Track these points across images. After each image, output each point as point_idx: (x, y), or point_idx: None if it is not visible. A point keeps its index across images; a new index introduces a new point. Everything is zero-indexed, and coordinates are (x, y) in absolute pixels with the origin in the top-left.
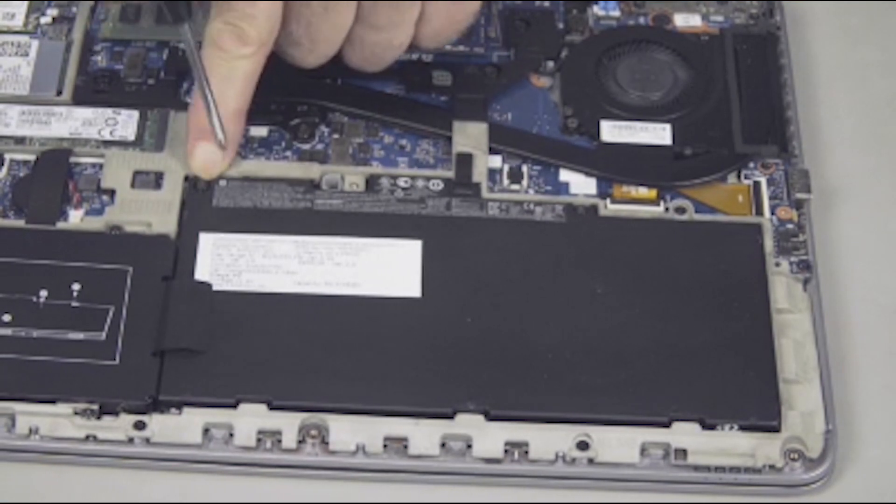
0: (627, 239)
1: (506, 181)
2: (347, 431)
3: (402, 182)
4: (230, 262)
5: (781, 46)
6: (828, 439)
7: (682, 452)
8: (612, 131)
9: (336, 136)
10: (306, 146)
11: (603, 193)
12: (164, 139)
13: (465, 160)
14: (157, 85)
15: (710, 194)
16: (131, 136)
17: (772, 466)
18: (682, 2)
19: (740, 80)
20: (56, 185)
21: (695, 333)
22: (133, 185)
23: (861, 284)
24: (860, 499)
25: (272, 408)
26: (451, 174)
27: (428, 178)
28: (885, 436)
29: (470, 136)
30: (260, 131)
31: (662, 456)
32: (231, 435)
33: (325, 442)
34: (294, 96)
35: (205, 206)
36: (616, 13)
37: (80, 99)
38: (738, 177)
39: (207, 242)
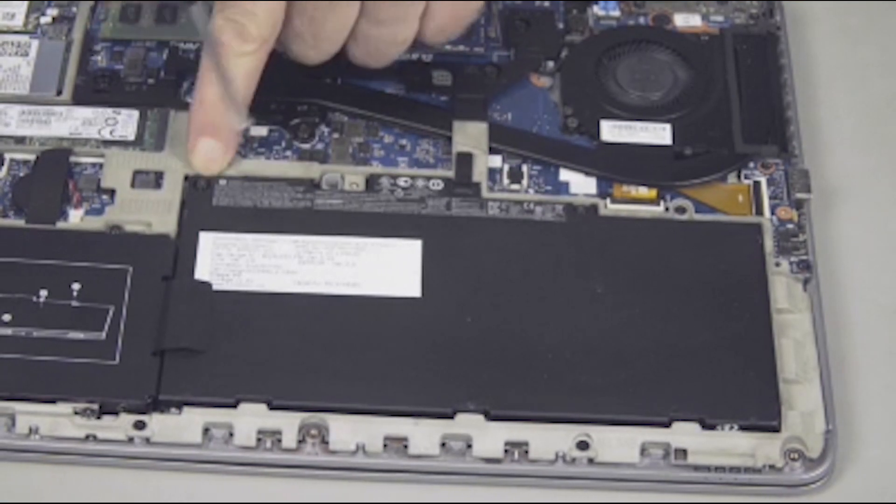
0: (627, 239)
1: (506, 181)
2: (347, 431)
3: (402, 182)
4: (230, 262)
5: (781, 46)
6: (828, 439)
7: (682, 452)
8: (612, 131)
9: (336, 135)
10: (306, 146)
11: (603, 193)
12: (164, 139)
13: (465, 160)
14: (157, 85)
15: (710, 194)
16: (131, 136)
17: (772, 466)
18: (682, 2)
19: (740, 80)
20: (56, 185)
21: (695, 333)
22: (133, 185)
23: (861, 284)
24: (860, 499)
25: (272, 407)
26: (451, 174)
27: (428, 178)
28: (885, 436)
29: (470, 135)
30: (260, 131)
31: (662, 456)
32: (231, 435)
33: (325, 442)
34: (294, 96)
35: (205, 206)
36: (616, 13)
37: (80, 99)
38: (738, 177)
39: (207, 242)
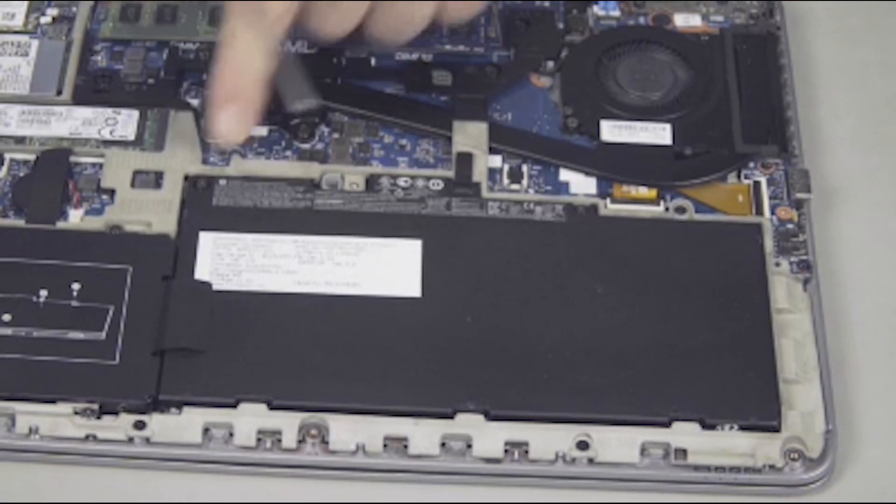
0: (627, 239)
1: (506, 181)
2: (347, 431)
3: (402, 182)
4: (230, 262)
5: (781, 46)
6: (828, 439)
7: (682, 452)
8: (612, 131)
9: (336, 135)
10: (306, 146)
11: (603, 193)
12: (164, 139)
13: (465, 160)
14: (157, 85)
15: (710, 194)
16: (131, 136)
17: (772, 466)
18: (682, 2)
19: (740, 80)
20: (56, 185)
21: (695, 333)
22: (133, 185)
23: (861, 284)
24: (860, 499)
25: (272, 407)
26: (451, 174)
27: (428, 178)
28: (885, 436)
29: (470, 135)
30: (260, 131)
31: (662, 456)
32: (231, 435)
33: (325, 442)
34: None
35: (205, 206)
36: (616, 13)
37: (80, 99)
38: (738, 177)
39: (207, 242)
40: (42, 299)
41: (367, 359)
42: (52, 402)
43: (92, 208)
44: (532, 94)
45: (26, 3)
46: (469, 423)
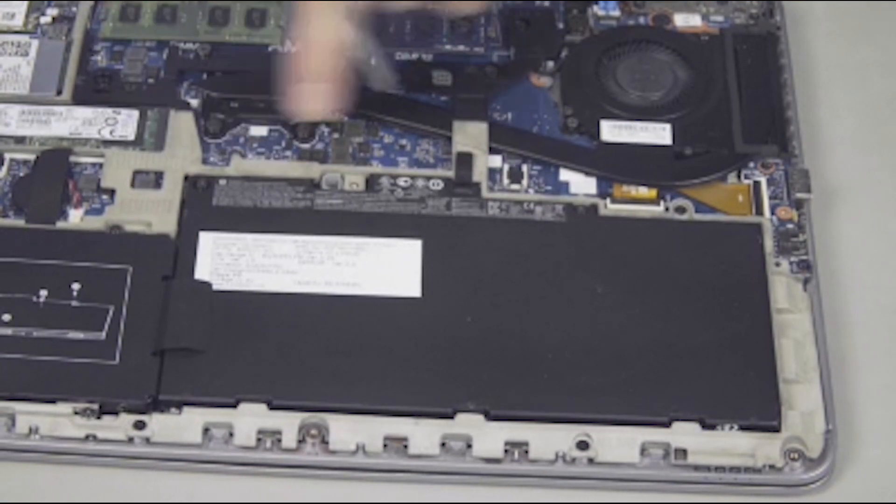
0: (627, 239)
1: (506, 181)
2: (347, 431)
3: (402, 182)
4: (230, 262)
5: (781, 46)
6: (828, 439)
7: (683, 452)
8: (612, 131)
9: (336, 135)
10: (306, 146)
11: (603, 193)
12: (163, 139)
13: (465, 160)
14: (157, 85)
15: (710, 194)
16: (131, 136)
17: (772, 466)
18: (682, 2)
19: (740, 80)
20: (56, 185)
21: (695, 333)
22: (133, 185)
23: (861, 284)
24: (860, 499)
25: (272, 407)
26: (451, 174)
27: (428, 178)
28: (885, 436)
29: (470, 135)
30: (260, 131)
31: (662, 456)
32: (231, 434)
33: (325, 442)
34: None
35: (205, 206)
36: (616, 13)
37: (79, 98)
38: (738, 177)
39: (207, 242)
40: (42, 299)
41: (367, 359)
42: (52, 402)
43: (92, 208)
44: (532, 94)
45: (26, 3)
46: (469, 423)
